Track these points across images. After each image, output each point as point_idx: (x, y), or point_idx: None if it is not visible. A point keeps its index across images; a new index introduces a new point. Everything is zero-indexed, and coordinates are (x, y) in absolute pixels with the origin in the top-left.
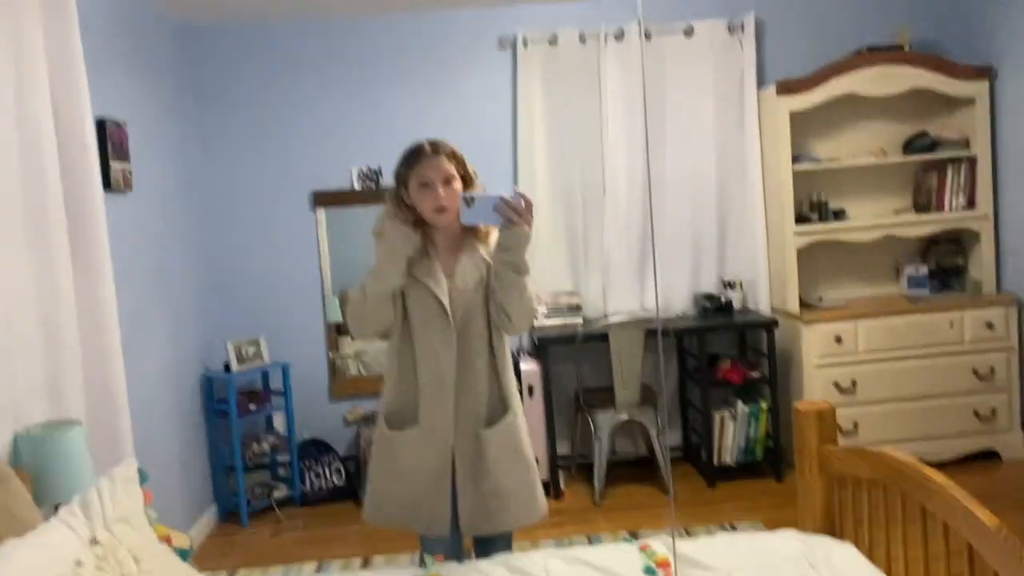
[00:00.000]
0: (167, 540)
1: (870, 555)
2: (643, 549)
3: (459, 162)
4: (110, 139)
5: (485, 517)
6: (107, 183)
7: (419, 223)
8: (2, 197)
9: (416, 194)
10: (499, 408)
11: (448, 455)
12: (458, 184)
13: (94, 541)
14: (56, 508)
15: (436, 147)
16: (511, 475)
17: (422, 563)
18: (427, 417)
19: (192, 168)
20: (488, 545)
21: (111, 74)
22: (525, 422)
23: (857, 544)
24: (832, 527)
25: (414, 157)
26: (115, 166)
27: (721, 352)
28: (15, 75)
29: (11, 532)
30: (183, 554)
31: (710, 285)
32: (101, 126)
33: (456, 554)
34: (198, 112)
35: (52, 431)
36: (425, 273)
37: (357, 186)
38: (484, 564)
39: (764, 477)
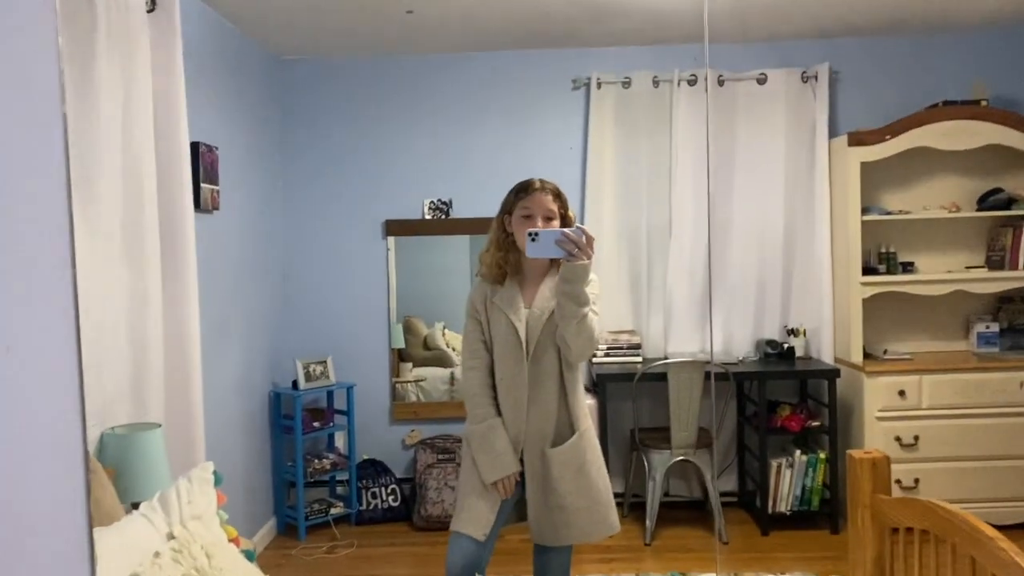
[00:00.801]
0: (235, 541)
1: None
2: None
3: (562, 202)
4: (202, 162)
5: (552, 529)
6: (197, 203)
7: (513, 249)
8: (105, 213)
9: (517, 223)
10: (567, 430)
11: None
12: (557, 223)
13: (171, 536)
14: (135, 505)
15: (544, 184)
16: (575, 493)
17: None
18: (516, 438)
19: (274, 192)
20: (546, 553)
21: (206, 100)
22: (597, 445)
23: None
24: None
25: (524, 190)
26: (205, 187)
27: (781, 399)
28: (124, 99)
29: (97, 521)
30: (249, 555)
31: (773, 332)
32: (195, 149)
33: (480, 561)
34: (282, 139)
35: (134, 431)
36: (507, 303)
37: (428, 216)
38: None
39: (819, 528)
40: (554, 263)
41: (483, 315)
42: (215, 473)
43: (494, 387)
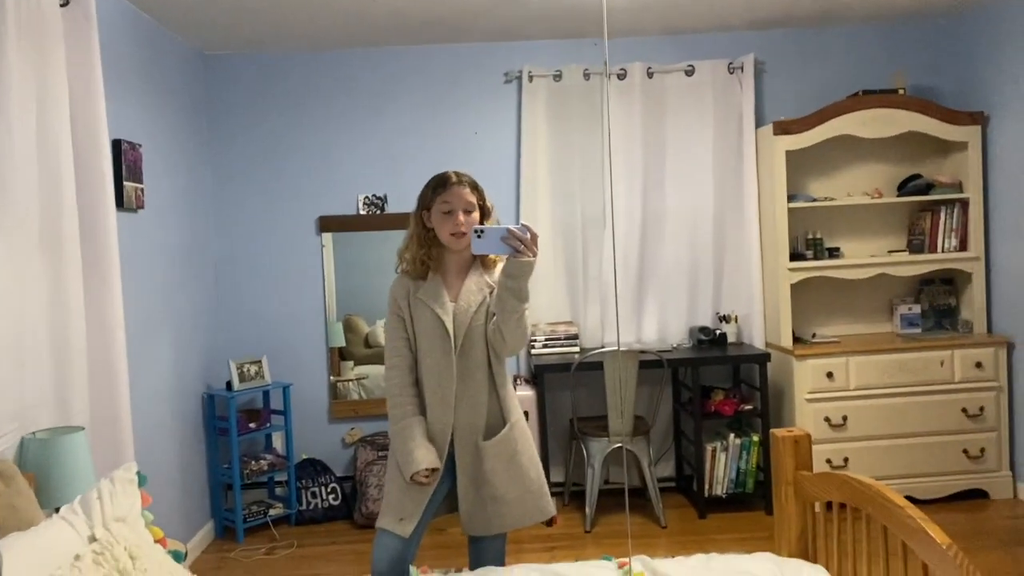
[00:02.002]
0: (162, 542)
1: (839, 573)
2: (621, 567)
3: (480, 194)
4: (124, 159)
5: (484, 520)
6: (120, 202)
7: (435, 244)
8: (20, 212)
9: (437, 218)
10: (499, 422)
11: (441, 465)
12: (476, 214)
13: (92, 538)
14: (57, 510)
15: (460, 177)
16: (508, 483)
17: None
18: (430, 427)
19: (202, 190)
20: (480, 542)
21: (128, 97)
22: (528, 433)
23: (828, 568)
24: (806, 552)
25: (441, 184)
26: (128, 186)
27: (715, 384)
28: (37, 95)
29: (14, 527)
30: (177, 556)
31: (706, 319)
32: (117, 147)
33: (406, 557)
34: (210, 136)
35: (56, 435)
36: (432, 295)
37: (363, 212)
38: None
39: (754, 509)
40: (476, 257)
41: (406, 311)
42: (139, 474)
43: (416, 384)
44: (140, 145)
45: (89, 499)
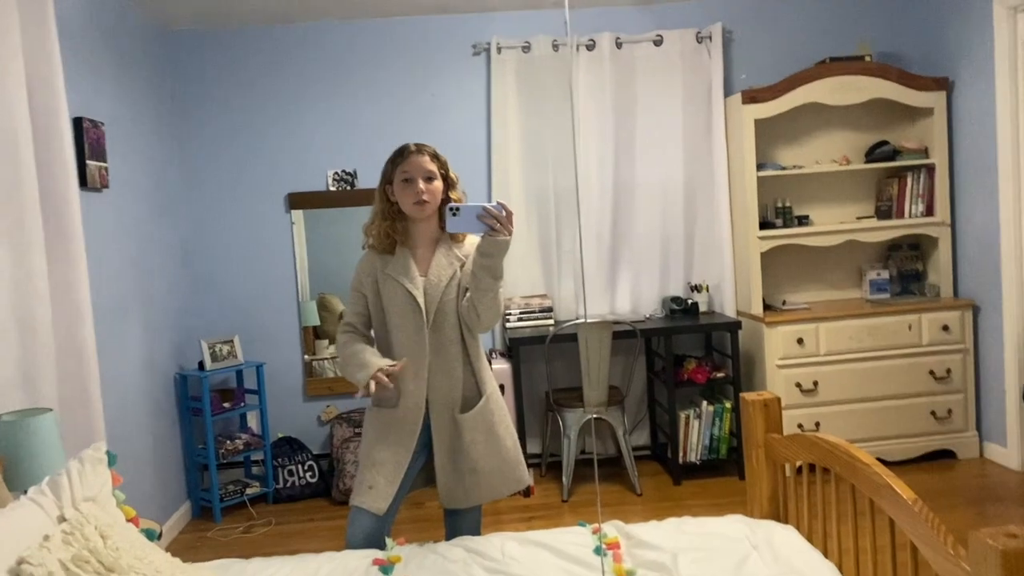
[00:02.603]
0: (134, 521)
1: (809, 537)
2: (595, 532)
3: (441, 163)
4: (87, 138)
5: (463, 492)
6: (83, 181)
7: (400, 217)
8: None
9: (399, 189)
10: (475, 394)
11: (417, 439)
12: (439, 183)
13: (62, 519)
14: (26, 492)
15: (420, 147)
16: (486, 455)
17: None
18: (404, 402)
19: (169, 168)
20: (457, 514)
21: (89, 75)
22: (503, 404)
23: (799, 528)
24: (777, 513)
25: (399, 155)
26: (91, 165)
27: (687, 353)
28: None
29: None
30: (150, 534)
31: (678, 288)
32: (78, 125)
33: (381, 533)
34: (176, 114)
35: (24, 417)
36: (401, 270)
37: (332, 188)
38: (443, 546)
39: (728, 475)
40: (444, 231)
41: (371, 288)
42: (108, 453)
43: (383, 353)
44: (103, 123)
45: (58, 480)
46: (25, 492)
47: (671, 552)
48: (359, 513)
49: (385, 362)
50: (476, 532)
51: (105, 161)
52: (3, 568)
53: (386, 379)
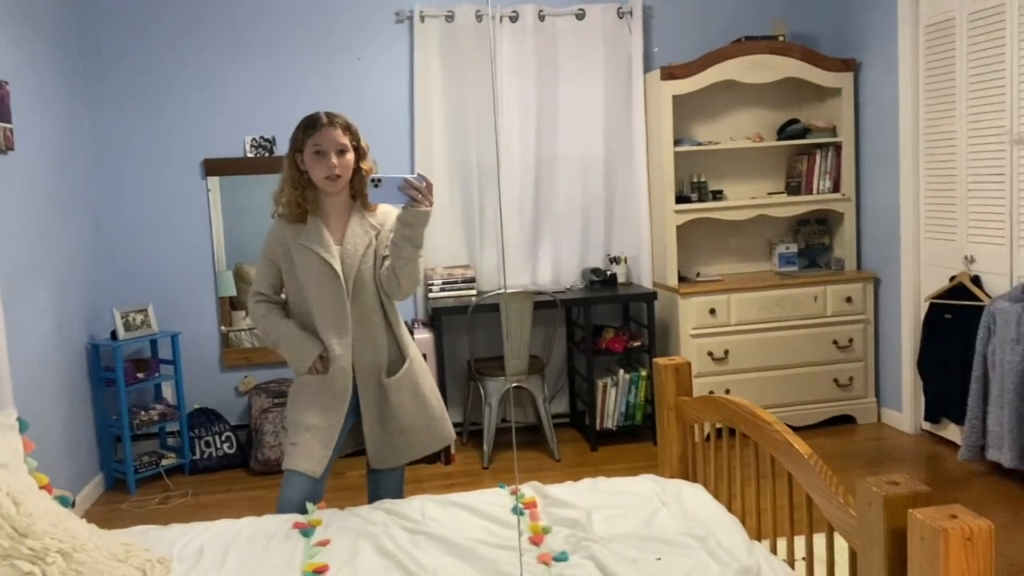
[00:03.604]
0: (47, 488)
1: (716, 496)
2: (513, 493)
3: (353, 134)
4: None
5: (391, 451)
6: None
7: (311, 187)
8: None
9: (310, 160)
10: (398, 358)
11: (346, 405)
12: (351, 155)
13: None
14: None
15: (332, 118)
16: (413, 415)
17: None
18: (332, 368)
19: (78, 131)
20: (379, 473)
21: None
22: (425, 366)
23: (707, 487)
24: (687, 473)
25: (311, 125)
26: None
27: (606, 323)
28: None
29: None
30: (64, 501)
31: (597, 260)
32: None
33: (316, 497)
34: (85, 74)
35: None
36: (315, 240)
37: (250, 154)
38: (363, 510)
39: (643, 440)
40: (356, 199)
41: (284, 257)
42: (20, 420)
43: (303, 323)
44: (7, 83)
45: None
46: None
47: (585, 510)
48: (294, 476)
49: (319, 348)
50: (399, 494)
51: (10, 122)
52: None
53: (319, 368)
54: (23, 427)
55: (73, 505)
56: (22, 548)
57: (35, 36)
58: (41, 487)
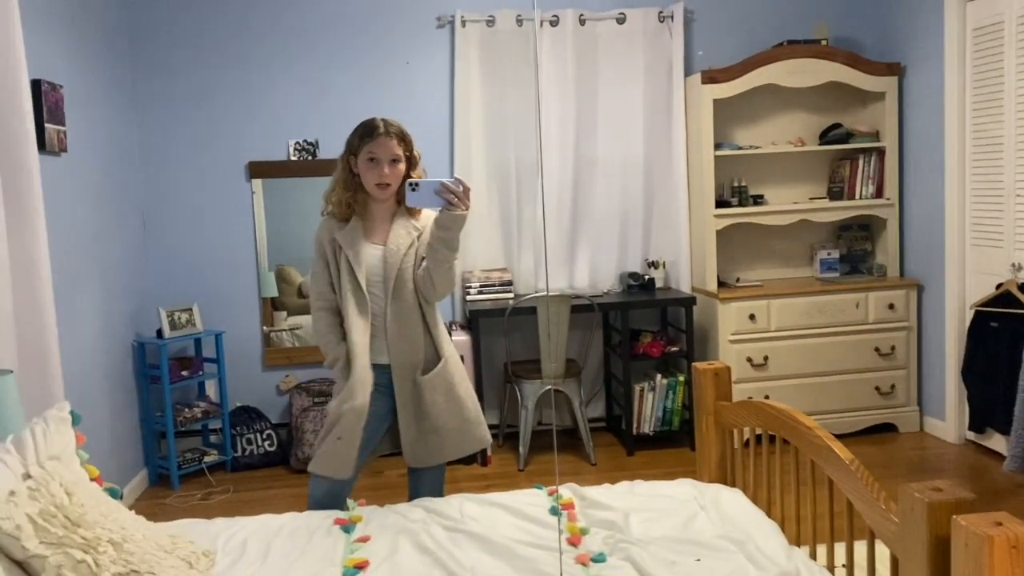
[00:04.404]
0: (97, 481)
1: (754, 499)
2: (550, 494)
3: (407, 144)
4: (45, 101)
5: (426, 451)
6: (41, 144)
7: (361, 189)
8: None
9: (363, 166)
10: (434, 357)
11: (386, 401)
12: (402, 166)
13: (27, 476)
14: None
15: (388, 127)
16: (447, 414)
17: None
18: (368, 365)
19: (127, 134)
20: (419, 472)
21: (48, 36)
22: (463, 368)
23: (744, 491)
24: (725, 478)
25: (368, 133)
26: (50, 128)
27: (643, 328)
28: None
29: None
30: (114, 493)
31: (635, 264)
32: (36, 87)
33: (341, 494)
34: (135, 78)
35: None
36: (360, 240)
37: (294, 157)
38: (403, 507)
39: (680, 446)
40: (401, 203)
41: (331, 255)
42: (72, 412)
43: (341, 324)
44: (61, 86)
45: (22, 439)
46: None
47: (623, 512)
48: (318, 480)
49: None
50: (439, 492)
51: (64, 125)
52: None
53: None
54: (76, 420)
55: (122, 497)
56: (75, 537)
57: (88, 42)
58: (92, 479)
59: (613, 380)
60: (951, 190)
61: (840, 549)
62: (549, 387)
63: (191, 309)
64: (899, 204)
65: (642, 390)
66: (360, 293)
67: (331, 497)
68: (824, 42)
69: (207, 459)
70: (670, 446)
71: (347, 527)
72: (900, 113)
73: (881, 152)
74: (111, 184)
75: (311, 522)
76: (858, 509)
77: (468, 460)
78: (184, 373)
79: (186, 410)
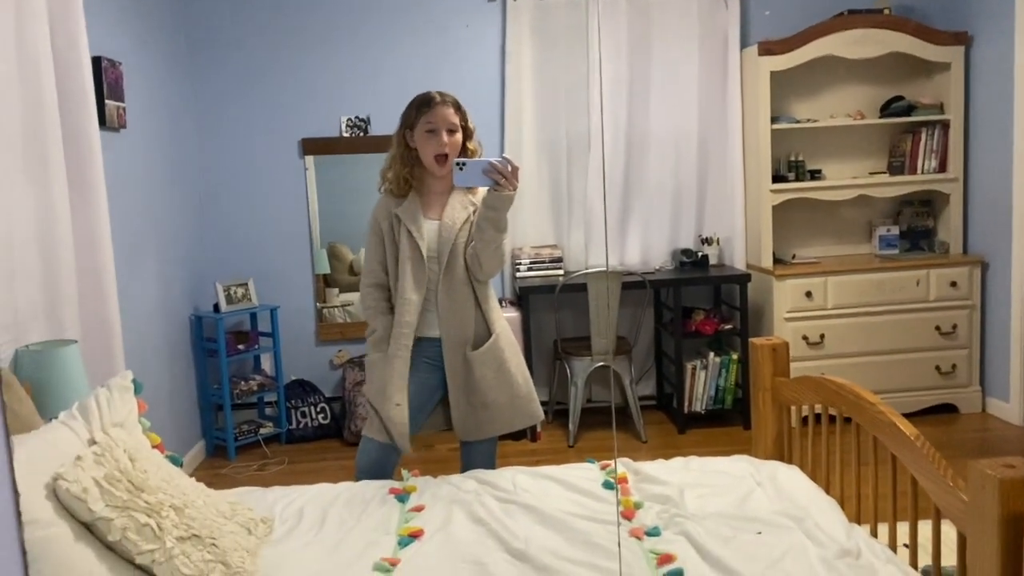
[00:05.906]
0: (159, 448)
1: (812, 477)
2: (604, 468)
3: (462, 114)
4: (105, 77)
5: (476, 425)
6: (102, 120)
7: (418, 163)
8: (3, 131)
9: (421, 138)
10: (484, 332)
11: (436, 374)
12: (459, 135)
13: (92, 442)
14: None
15: (444, 97)
16: (496, 389)
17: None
18: (418, 340)
19: (184, 111)
20: (471, 445)
21: (107, 14)
22: (515, 343)
23: (802, 468)
24: (782, 455)
25: (424, 103)
26: (110, 104)
27: (696, 305)
28: (15, 12)
29: (15, 431)
30: (175, 460)
31: (688, 240)
32: (97, 63)
33: (385, 462)
34: (192, 55)
35: (50, 348)
36: (417, 215)
37: (346, 134)
38: (456, 478)
39: (733, 425)
40: None
41: (387, 230)
42: (135, 381)
43: (389, 302)
44: (120, 63)
45: (87, 405)
46: (51, 420)
47: (678, 487)
48: (368, 442)
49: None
50: (490, 464)
51: (123, 101)
52: (40, 483)
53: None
54: (138, 389)
55: (181, 466)
56: (139, 501)
57: (146, 20)
58: (154, 447)
59: (664, 358)
60: (1019, 165)
61: (903, 528)
62: (599, 364)
63: (247, 284)
64: (963, 179)
65: (694, 368)
66: (421, 263)
67: (379, 467)
68: (887, 11)
69: (263, 431)
70: (722, 425)
71: (401, 496)
72: (966, 84)
73: (945, 125)
74: (169, 160)
75: (366, 491)
76: (923, 487)
77: (518, 436)
78: (240, 347)
79: (242, 383)
